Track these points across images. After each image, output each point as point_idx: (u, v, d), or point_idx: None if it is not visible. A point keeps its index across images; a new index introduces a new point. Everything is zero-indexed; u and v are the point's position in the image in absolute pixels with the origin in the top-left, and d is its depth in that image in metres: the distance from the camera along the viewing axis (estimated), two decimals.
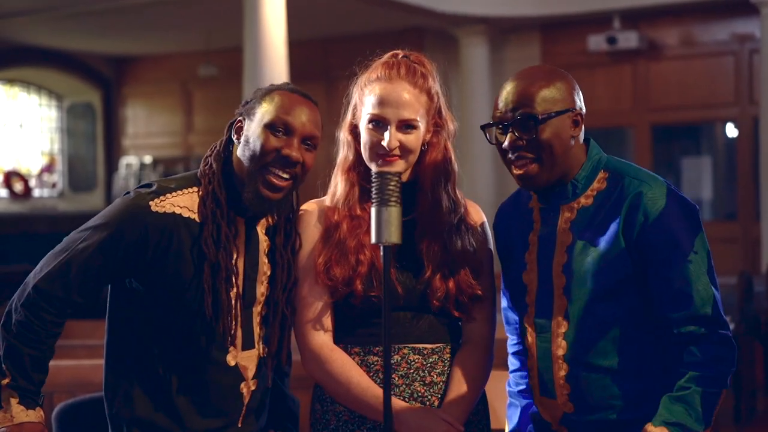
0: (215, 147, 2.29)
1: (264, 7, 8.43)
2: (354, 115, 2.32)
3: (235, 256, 2.23)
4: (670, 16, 10.93)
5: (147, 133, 14.11)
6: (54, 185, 14.33)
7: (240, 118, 2.25)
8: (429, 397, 2.23)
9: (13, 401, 2.15)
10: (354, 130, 2.32)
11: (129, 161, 13.83)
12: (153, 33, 12.16)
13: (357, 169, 2.31)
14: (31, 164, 14.10)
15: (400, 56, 2.30)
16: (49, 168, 14.27)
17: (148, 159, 13.75)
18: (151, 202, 2.18)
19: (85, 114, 14.40)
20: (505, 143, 2.14)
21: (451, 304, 2.24)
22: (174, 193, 2.22)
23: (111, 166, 14.21)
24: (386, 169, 2.17)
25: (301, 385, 2.77)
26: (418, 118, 2.24)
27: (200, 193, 2.23)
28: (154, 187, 2.22)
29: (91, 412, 2.59)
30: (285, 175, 2.18)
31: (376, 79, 2.26)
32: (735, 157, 11.00)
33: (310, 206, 2.35)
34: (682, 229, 2.11)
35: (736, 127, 10.95)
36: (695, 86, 10.91)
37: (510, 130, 2.13)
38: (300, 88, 2.31)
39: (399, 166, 2.24)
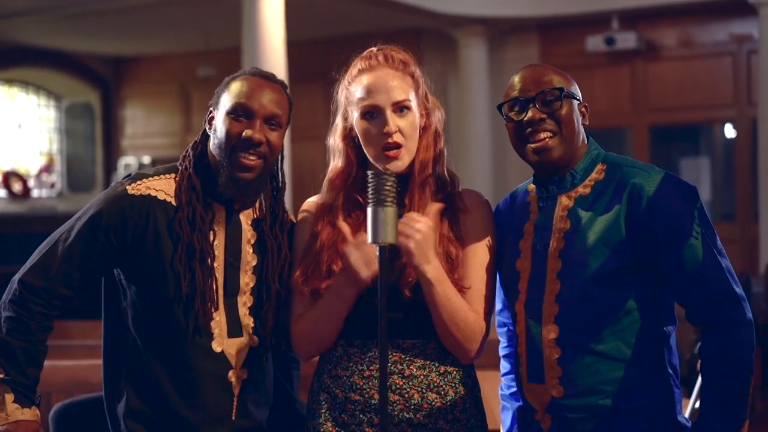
0: (195, 140, 2.36)
1: (262, 7, 8.44)
2: (345, 118, 2.31)
3: (212, 240, 2.26)
4: (669, 16, 10.94)
5: (145, 134, 14.11)
6: (53, 185, 14.32)
7: (211, 109, 2.32)
8: (408, 389, 2.21)
9: (8, 399, 2.17)
10: (348, 136, 2.31)
11: (127, 162, 13.83)
12: (151, 33, 12.16)
13: (346, 177, 2.31)
14: (29, 164, 14.09)
15: (375, 50, 2.32)
16: (47, 168, 14.26)
17: (146, 159, 13.74)
18: (128, 187, 2.26)
19: (84, 114, 14.40)
20: (526, 117, 2.19)
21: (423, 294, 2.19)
22: (151, 178, 2.28)
23: (109, 166, 14.20)
24: (391, 165, 2.20)
25: (300, 385, 2.77)
26: (410, 98, 2.25)
27: (177, 179, 2.29)
28: (132, 175, 2.30)
29: (88, 412, 2.60)
30: (252, 158, 2.23)
31: (358, 72, 2.28)
32: (733, 158, 11.01)
33: (305, 208, 2.36)
34: (683, 209, 2.15)
35: (734, 128, 10.96)
36: (693, 87, 10.92)
37: (532, 104, 2.19)
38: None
39: (404, 159, 2.24)
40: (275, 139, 2.26)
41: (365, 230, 2.03)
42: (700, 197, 2.19)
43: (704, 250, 2.13)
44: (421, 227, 2.13)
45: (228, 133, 2.23)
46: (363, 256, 2.14)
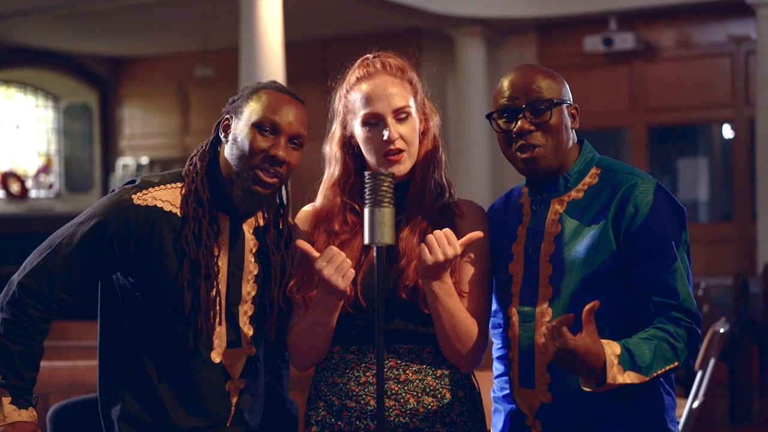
0: (201, 147, 2.31)
1: (260, 7, 8.44)
2: (344, 126, 2.31)
3: (217, 254, 2.24)
4: (666, 17, 10.95)
5: (144, 134, 14.11)
6: (51, 186, 14.32)
7: (227, 116, 2.27)
8: (403, 394, 2.21)
9: (5, 401, 2.15)
10: (346, 143, 2.31)
11: (126, 162, 13.83)
12: (150, 34, 12.16)
13: (343, 184, 2.31)
14: (27, 165, 14.09)
15: (371, 57, 2.32)
16: (45, 169, 14.26)
17: (144, 160, 13.74)
18: (133, 196, 2.22)
19: (82, 115, 14.40)
20: (515, 128, 2.18)
21: (420, 299, 2.20)
22: (157, 188, 2.24)
23: (108, 167, 14.20)
24: (394, 169, 2.19)
25: (297, 386, 2.77)
26: (410, 104, 2.26)
27: (183, 191, 2.25)
28: (137, 183, 2.25)
29: (85, 412, 2.60)
30: (272, 173, 2.19)
31: (356, 80, 2.28)
32: (731, 158, 11.03)
33: (300, 217, 2.36)
34: (671, 227, 2.14)
35: (732, 128, 10.97)
36: (691, 87, 10.93)
37: (521, 114, 2.17)
38: (295, 89, 2.32)
39: (406, 164, 2.25)
40: (295, 160, 2.23)
41: (361, 236, 2.01)
42: (686, 219, 2.19)
43: (683, 272, 2.13)
44: (449, 252, 2.13)
45: (252, 146, 2.18)
46: (336, 268, 2.13)
